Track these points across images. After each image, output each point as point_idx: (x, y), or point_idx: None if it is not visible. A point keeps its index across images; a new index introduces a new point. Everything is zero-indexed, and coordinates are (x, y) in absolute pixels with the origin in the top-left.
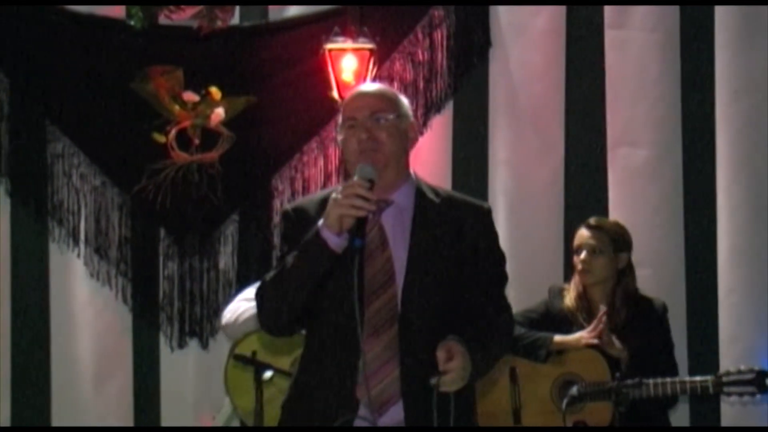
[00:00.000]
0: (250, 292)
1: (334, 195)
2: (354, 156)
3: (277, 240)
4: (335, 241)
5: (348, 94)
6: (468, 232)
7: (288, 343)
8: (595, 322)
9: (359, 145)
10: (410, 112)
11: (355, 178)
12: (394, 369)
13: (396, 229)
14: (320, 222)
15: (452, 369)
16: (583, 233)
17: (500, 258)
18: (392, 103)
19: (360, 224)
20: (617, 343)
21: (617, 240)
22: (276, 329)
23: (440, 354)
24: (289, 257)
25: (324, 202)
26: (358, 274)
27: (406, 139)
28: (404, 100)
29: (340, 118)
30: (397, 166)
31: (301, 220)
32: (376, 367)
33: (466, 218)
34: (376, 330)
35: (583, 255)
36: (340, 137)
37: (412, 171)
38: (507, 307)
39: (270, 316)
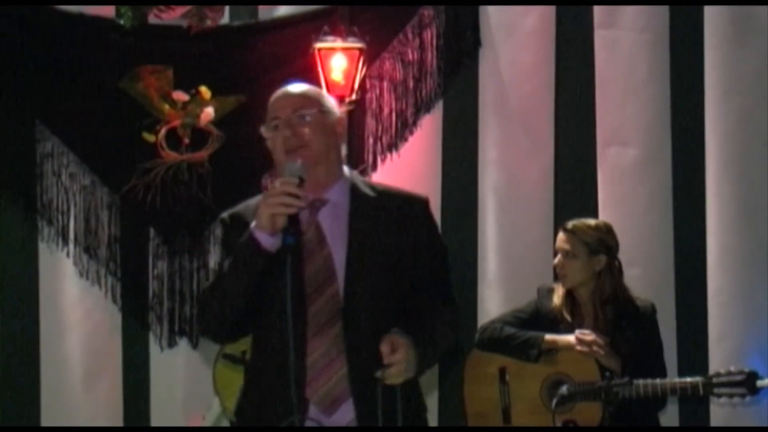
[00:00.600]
0: None
1: (264, 195)
2: (282, 155)
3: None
4: (269, 241)
5: (272, 97)
6: (407, 224)
7: None
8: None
9: (285, 144)
10: (336, 109)
11: (284, 176)
12: (342, 367)
13: (333, 227)
14: (253, 224)
15: (396, 361)
16: (560, 236)
17: (441, 249)
18: (314, 100)
19: (292, 222)
20: (611, 353)
21: (591, 243)
22: (219, 336)
23: (384, 347)
24: (225, 263)
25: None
26: (297, 274)
27: (333, 135)
28: (329, 97)
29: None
30: (327, 163)
31: (238, 227)
32: (323, 365)
33: (404, 211)
34: (320, 328)
35: (557, 259)
36: (267, 138)
37: (345, 168)
38: (451, 298)
39: (211, 322)
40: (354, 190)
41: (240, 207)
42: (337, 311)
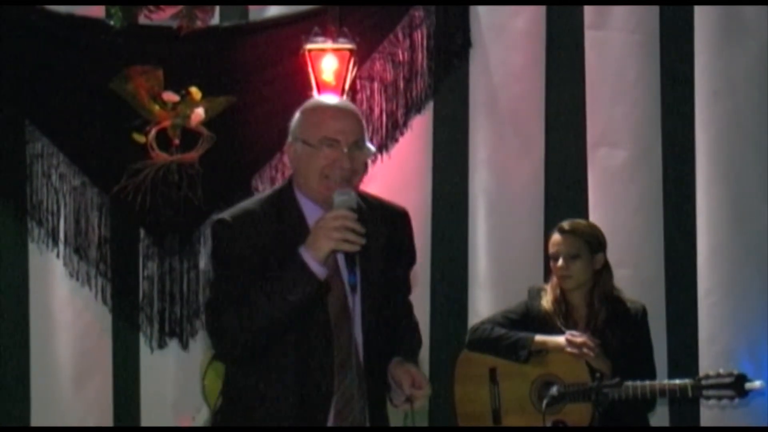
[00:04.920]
0: None
1: (320, 224)
2: (318, 176)
3: None
4: (321, 272)
5: (321, 108)
6: (392, 236)
7: None
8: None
9: (339, 173)
10: None
11: (338, 206)
12: (362, 398)
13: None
14: (303, 251)
15: (423, 396)
16: (557, 239)
17: (414, 261)
18: (364, 131)
19: (351, 259)
20: (601, 355)
21: (592, 242)
22: (245, 355)
23: (406, 382)
24: (262, 284)
25: (266, 214)
26: (323, 309)
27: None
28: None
29: (307, 129)
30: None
31: (244, 234)
32: (348, 397)
33: (389, 223)
34: (343, 362)
35: (560, 262)
36: (305, 148)
37: None
38: (412, 307)
39: (239, 343)
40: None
41: (237, 211)
42: (353, 344)
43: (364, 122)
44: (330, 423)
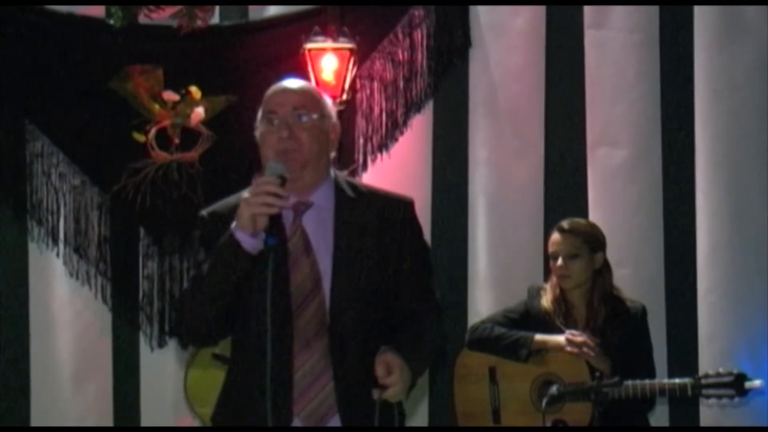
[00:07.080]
0: None
1: (244, 195)
2: (270, 152)
3: None
4: (250, 243)
5: (270, 89)
6: (390, 225)
7: None
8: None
9: (279, 144)
10: (333, 113)
11: (266, 175)
12: (329, 381)
13: (318, 233)
14: (233, 224)
15: (393, 383)
16: (556, 238)
17: (424, 251)
18: (316, 102)
19: (273, 222)
20: (601, 355)
21: (591, 241)
22: (197, 339)
23: (379, 369)
24: (205, 265)
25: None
26: (283, 282)
27: (326, 140)
28: (328, 100)
29: (260, 113)
30: (317, 167)
31: (217, 225)
32: (311, 380)
33: (387, 212)
34: (308, 341)
35: (559, 261)
36: (258, 131)
37: (332, 170)
38: (434, 301)
39: (190, 326)
40: (338, 193)
41: (220, 205)
42: (324, 323)
43: (321, 99)
44: (295, 402)
